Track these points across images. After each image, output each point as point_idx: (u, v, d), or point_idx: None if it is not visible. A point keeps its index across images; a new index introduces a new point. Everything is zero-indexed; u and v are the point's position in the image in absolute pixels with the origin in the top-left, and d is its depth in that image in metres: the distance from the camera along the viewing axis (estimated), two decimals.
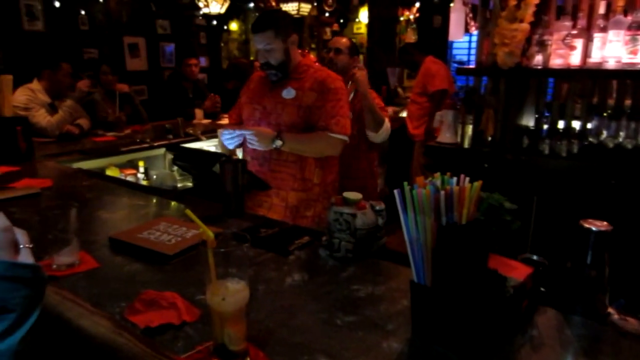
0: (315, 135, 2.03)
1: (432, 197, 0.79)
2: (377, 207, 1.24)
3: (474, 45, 7.04)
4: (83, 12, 5.86)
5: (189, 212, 0.82)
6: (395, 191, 0.84)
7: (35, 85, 3.35)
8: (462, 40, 7.18)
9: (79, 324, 0.60)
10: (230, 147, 2.04)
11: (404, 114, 5.07)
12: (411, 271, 0.88)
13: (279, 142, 1.95)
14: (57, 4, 5.54)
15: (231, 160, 1.53)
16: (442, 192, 0.80)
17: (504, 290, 0.81)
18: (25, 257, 0.58)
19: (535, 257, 1.05)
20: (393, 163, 4.51)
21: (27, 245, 0.59)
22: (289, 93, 2.07)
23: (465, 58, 7.35)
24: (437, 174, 0.88)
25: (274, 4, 6.54)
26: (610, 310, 0.98)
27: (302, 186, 2.11)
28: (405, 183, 0.84)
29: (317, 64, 2.32)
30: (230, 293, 0.75)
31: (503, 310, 0.82)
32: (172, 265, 1.19)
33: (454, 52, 7.38)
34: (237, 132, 1.95)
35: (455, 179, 0.88)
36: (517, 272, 0.94)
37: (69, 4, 5.65)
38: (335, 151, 2.09)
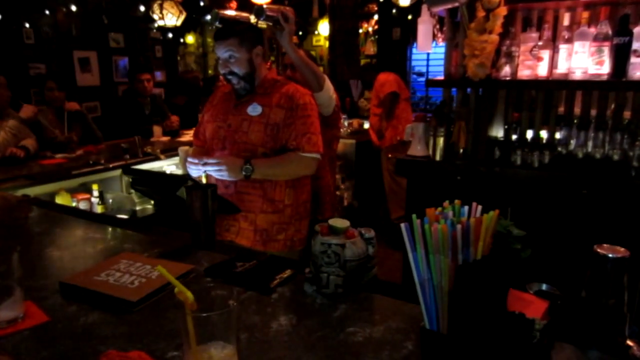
0: (286, 157, 1.90)
1: (450, 234, 0.68)
2: (367, 235, 1.12)
3: (432, 56, 7.15)
4: (28, 25, 5.52)
5: (161, 268, 0.67)
6: (403, 225, 0.73)
7: None
8: (421, 52, 7.29)
9: None
10: (196, 175, 1.89)
11: (367, 126, 5.08)
12: (422, 316, 0.76)
13: (249, 170, 1.82)
14: None
15: (200, 186, 1.38)
16: (459, 226, 0.70)
17: (531, 336, 0.71)
18: None
19: (544, 287, 0.96)
20: (361, 176, 4.47)
21: None
22: (255, 110, 1.94)
23: (424, 69, 7.44)
24: (447, 203, 0.77)
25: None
26: (629, 343, 0.90)
27: (273, 208, 1.98)
28: (414, 216, 0.73)
29: (282, 77, 2.20)
30: None
31: (532, 358, 0.72)
32: (136, 314, 1.02)
33: (413, 63, 7.46)
34: (204, 160, 1.81)
35: (466, 207, 0.78)
36: (534, 307, 0.84)
37: (12, 16, 5.31)
38: (309, 171, 1.97)
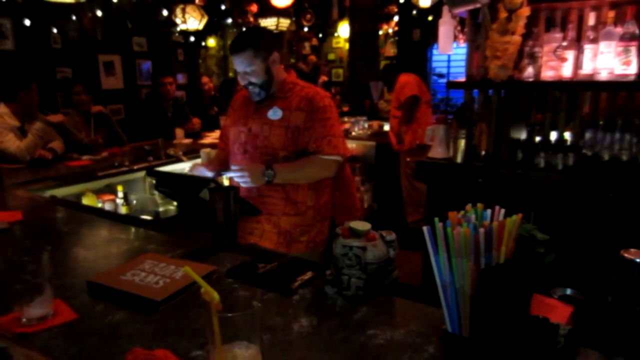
0: (307, 160, 1.92)
1: (472, 237, 0.68)
2: (388, 238, 1.12)
3: (453, 57, 7.08)
4: (55, 30, 5.67)
5: (187, 269, 0.69)
6: (425, 229, 0.73)
7: (3, 108, 3.15)
8: (442, 53, 7.23)
9: None
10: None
11: (387, 128, 5.06)
12: (443, 319, 0.76)
13: (270, 175, 1.84)
14: (27, 22, 5.35)
15: (222, 188, 1.40)
16: (482, 230, 0.69)
17: (555, 341, 0.71)
18: None
19: (569, 291, 0.95)
20: (381, 178, 4.44)
21: None
22: (275, 114, 1.96)
23: (444, 70, 7.38)
24: (469, 207, 0.77)
25: (252, 19, 6.46)
26: None
27: (295, 210, 1.99)
28: (437, 219, 0.73)
29: (302, 80, 2.21)
30: None
31: None
32: (161, 313, 1.05)
33: (434, 64, 7.41)
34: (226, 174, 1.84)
35: (489, 211, 0.78)
36: (558, 312, 0.83)
37: (40, 22, 5.46)
38: (330, 173, 1.98)
